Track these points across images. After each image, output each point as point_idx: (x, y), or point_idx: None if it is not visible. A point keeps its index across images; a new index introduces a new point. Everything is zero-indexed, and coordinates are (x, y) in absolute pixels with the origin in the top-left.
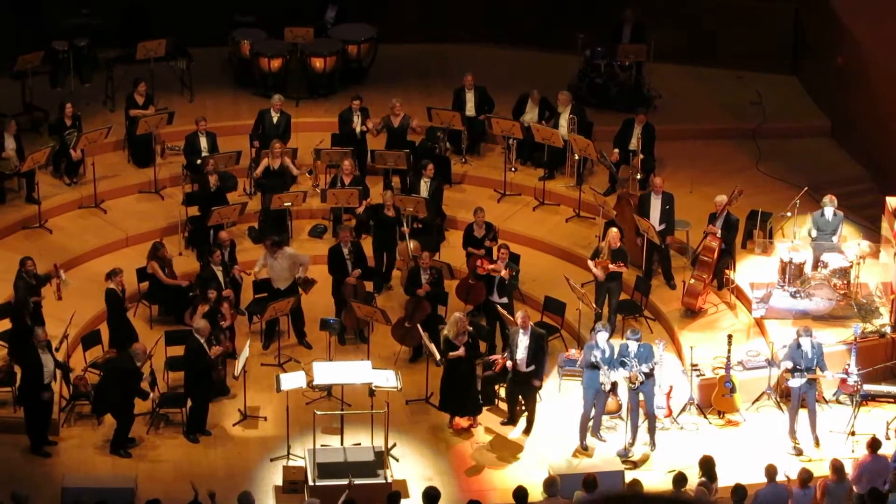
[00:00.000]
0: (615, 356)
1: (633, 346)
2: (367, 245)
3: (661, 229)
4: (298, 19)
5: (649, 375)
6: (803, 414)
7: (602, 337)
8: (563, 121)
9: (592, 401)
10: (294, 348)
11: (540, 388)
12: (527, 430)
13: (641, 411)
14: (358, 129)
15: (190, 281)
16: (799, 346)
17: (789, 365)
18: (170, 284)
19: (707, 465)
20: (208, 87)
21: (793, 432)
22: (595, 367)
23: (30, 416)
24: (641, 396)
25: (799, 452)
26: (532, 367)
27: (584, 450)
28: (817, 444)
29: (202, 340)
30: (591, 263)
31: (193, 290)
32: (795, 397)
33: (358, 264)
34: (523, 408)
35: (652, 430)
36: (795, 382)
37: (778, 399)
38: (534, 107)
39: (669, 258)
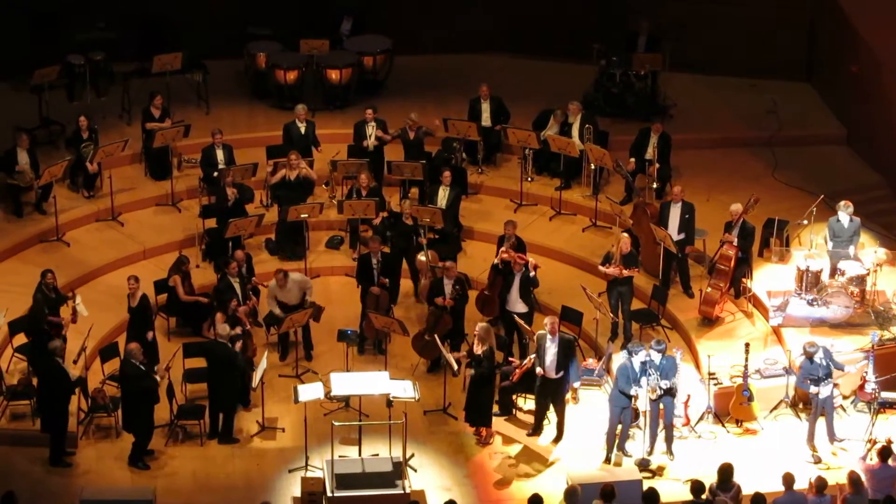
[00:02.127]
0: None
1: (656, 358)
2: None
3: (680, 238)
4: (314, 31)
5: (670, 391)
6: (821, 422)
7: (637, 360)
8: (575, 131)
9: (619, 416)
10: (312, 360)
11: (572, 392)
12: (557, 439)
13: (661, 421)
14: (370, 144)
15: (208, 294)
16: (811, 361)
17: (811, 388)
18: (187, 301)
19: (725, 473)
20: (224, 100)
21: (811, 440)
22: (628, 395)
23: (52, 426)
24: (662, 406)
25: (817, 461)
26: (561, 374)
27: (607, 463)
28: (832, 440)
29: (229, 344)
30: (602, 269)
31: (211, 303)
32: (816, 405)
33: (385, 276)
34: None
35: (669, 440)
36: (824, 392)
37: (799, 406)
38: (555, 125)
39: (688, 267)
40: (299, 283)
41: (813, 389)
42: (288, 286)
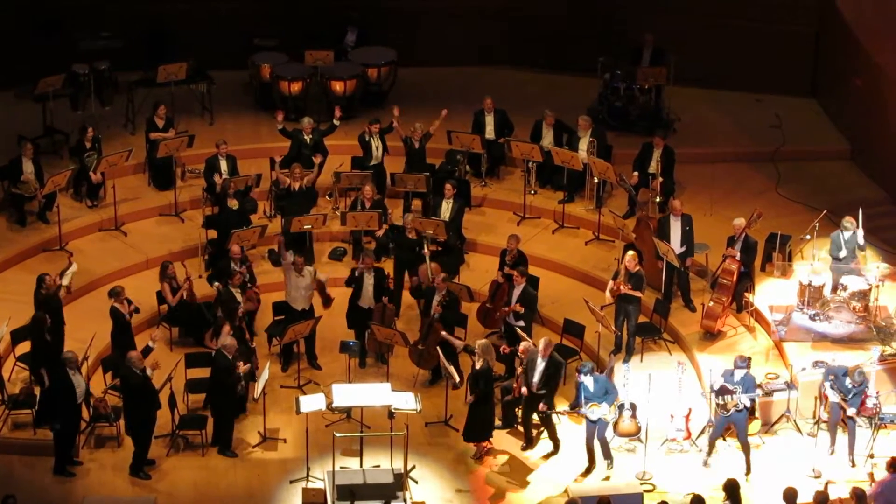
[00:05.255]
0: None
1: (588, 382)
2: (387, 268)
3: (681, 251)
4: (319, 43)
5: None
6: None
7: (588, 379)
8: (583, 145)
9: (592, 430)
10: (313, 371)
11: (544, 411)
12: (552, 453)
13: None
14: (376, 156)
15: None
16: (845, 374)
17: (830, 392)
18: (174, 306)
19: (732, 489)
20: (229, 111)
21: (832, 449)
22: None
23: (59, 435)
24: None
25: (818, 475)
26: (544, 391)
27: (588, 472)
28: (853, 465)
29: (230, 357)
30: (611, 283)
31: (213, 312)
32: (835, 412)
33: (383, 292)
34: (542, 430)
35: (747, 454)
36: (834, 396)
37: (822, 419)
38: (549, 130)
39: (688, 281)
40: (312, 272)
41: (834, 398)
42: (304, 273)
